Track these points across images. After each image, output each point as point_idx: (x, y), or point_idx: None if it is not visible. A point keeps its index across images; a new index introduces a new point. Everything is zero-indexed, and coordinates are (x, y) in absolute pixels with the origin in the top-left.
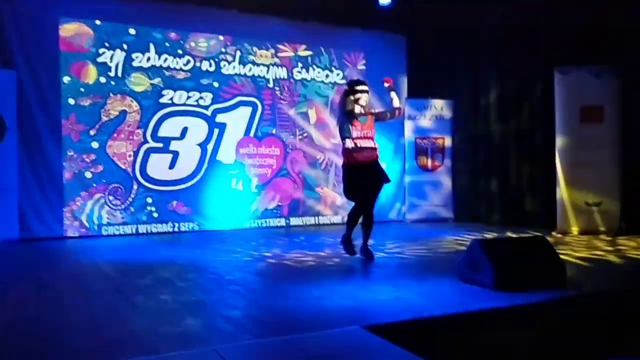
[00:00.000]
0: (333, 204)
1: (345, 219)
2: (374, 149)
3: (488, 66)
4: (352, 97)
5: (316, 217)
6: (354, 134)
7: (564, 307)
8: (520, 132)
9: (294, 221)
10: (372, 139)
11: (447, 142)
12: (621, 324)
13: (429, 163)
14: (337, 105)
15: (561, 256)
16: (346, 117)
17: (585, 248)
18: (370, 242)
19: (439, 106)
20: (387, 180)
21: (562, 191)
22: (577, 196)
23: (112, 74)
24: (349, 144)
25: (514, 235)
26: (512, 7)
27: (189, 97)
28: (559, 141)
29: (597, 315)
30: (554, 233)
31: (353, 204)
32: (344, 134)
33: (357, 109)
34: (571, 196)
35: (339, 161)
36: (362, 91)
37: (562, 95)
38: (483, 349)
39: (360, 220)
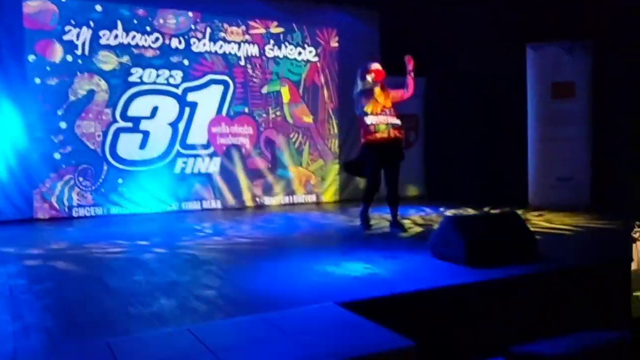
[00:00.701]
0: (307, 183)
1: (320, 198)
2: (395, 125)
3: (460, 43)
4: (367, 76)
5: (290, 197)
6: (373, 110)
7: (535, 281)
8: (492, 107)
9: (268, 201)
10: (394, 116)
11: (420, 119)
12: (588, 297)
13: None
14: (355, 87)
15: (533, 230)
16: (364, 95)
17: (555, 222)
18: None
19: None
20: (402, 157)
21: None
22: (549, 171)
23: (79, 52)
24: (369, 120)
25: (486, 211)
26: None
27: (158, 76)
28: (530, 115)
29: (566, 289)
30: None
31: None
32: (363, 112)
33: (374, 86)
34: (543, 171)
35: (311, 140)
36: (376, 69)
37: (534, 71)
38: (456, 323)
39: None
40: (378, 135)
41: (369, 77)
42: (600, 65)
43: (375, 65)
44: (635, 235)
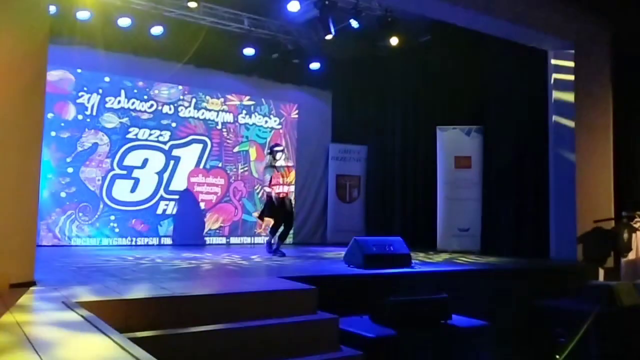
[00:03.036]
0: (267, 227)
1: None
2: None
3: (392, 121)
4: (270, 157)
5: (252, 237)
6: (273, 181)
7: (409, 278)
8: (414, 172)
9: (234, 240)
10: (287, 184)
11: (362, 179)
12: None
13: (347, 196)
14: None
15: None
16: (268, 170)
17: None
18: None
19: (357, 150)
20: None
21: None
22: (453, 223)
23: (88, 112)
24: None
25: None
26: (412, 80)
27: (150, 134)
28: (439, 180)
29: (426, 283)
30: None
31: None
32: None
33: (277, 162)
34: (448, 223)
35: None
36: (278, 150)
37: (442, 146)
38: (358, 294)
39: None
40: (277, 194)
41: (271, 157)
42: (489, 143)
43: (276, 147)
44: (636, 225)
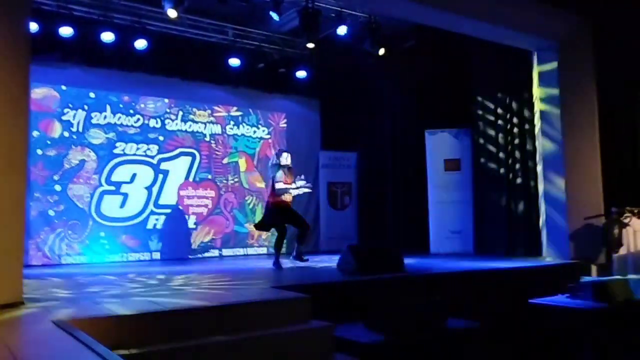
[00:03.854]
0: (259, 238)
1: (270, 250)
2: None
3: (381, 126)
4: (275, 156)
5: (245, 249)
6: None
7: (403, 283)
8: (404, 177)
9: (226, 252)
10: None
11: (354, 186)
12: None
13: (339, 203)
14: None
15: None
16: (275, 171)
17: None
18: None
19: (347, 157)
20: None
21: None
22: (445, 225)
23: (74, 129)
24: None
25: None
26: (399, 86)
27: (138, 149)
28: (430, 183)
29: (417, 287)
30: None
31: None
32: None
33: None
34: (440, 226)
35: (262, 202)
36: (283, 151)
37: (431, 150)
38: (353, 300)
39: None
40: (283, 199)
41: (278, 160)
42: (478, 145)
43: (284, 153)
44: (626, 221)
